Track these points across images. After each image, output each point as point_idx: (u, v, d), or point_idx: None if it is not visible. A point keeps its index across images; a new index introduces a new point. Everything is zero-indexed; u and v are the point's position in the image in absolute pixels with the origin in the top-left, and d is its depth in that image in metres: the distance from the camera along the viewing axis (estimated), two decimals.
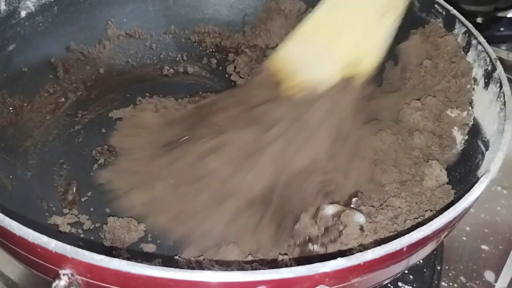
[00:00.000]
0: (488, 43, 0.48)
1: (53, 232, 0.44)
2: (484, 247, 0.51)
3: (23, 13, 0.54)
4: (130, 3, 0.65)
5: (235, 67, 0.66)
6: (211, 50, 0.68)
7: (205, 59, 0.67)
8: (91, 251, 0.27)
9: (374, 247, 0.29)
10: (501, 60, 0.65)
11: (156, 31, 0.66)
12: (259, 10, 0.68)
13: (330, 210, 0.41)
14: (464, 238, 0.51)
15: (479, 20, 0.76)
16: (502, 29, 0.74)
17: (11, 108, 0.53)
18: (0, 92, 0.52)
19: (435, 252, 0.49)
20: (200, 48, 0.68)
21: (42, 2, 0.56)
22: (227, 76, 0.65)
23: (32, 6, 0.55)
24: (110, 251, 0.44)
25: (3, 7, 0.51)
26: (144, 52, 0.66)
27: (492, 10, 0.78)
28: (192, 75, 0.66)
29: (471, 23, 0.51)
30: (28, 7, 0.55)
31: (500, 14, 0.78)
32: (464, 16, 0.52)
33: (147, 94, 0.60)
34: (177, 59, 0.67)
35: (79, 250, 0.27)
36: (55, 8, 0.58)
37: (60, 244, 0.27)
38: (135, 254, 0.44)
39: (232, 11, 0.68)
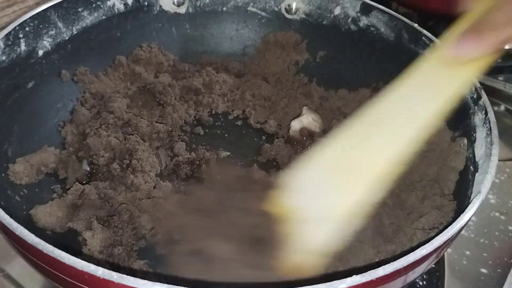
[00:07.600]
0: (486, 74, 0.52)
1: None
2: (483, 270, 0.53)
3: (40, 52, 0.57)
4: (136, 39, 0.69)
5: None
6: None
7: None
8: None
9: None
10: (498, 91, 0.68)
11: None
12: (257, 42, 0.73)
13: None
14: (464, 262, 0.53)
15: None
16: (499, 60, 0.74)
17: None
18: None
19: (437, 274, 0.52)
20: None
21: (57, 41, 0.60)
22: None
23: (49, 45, 0.58)
24: None
25: (23, 47, 0.55)
26: None
27: None
28: None
29: None
30: (45, 46, 0.58)
31: None
32: None
33: None
34: None
35: (125, 276, 0.31)
36: (69, 46, 0.61)
37: (106, 271, 0.31)
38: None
39: (232, 43, 0.73)
